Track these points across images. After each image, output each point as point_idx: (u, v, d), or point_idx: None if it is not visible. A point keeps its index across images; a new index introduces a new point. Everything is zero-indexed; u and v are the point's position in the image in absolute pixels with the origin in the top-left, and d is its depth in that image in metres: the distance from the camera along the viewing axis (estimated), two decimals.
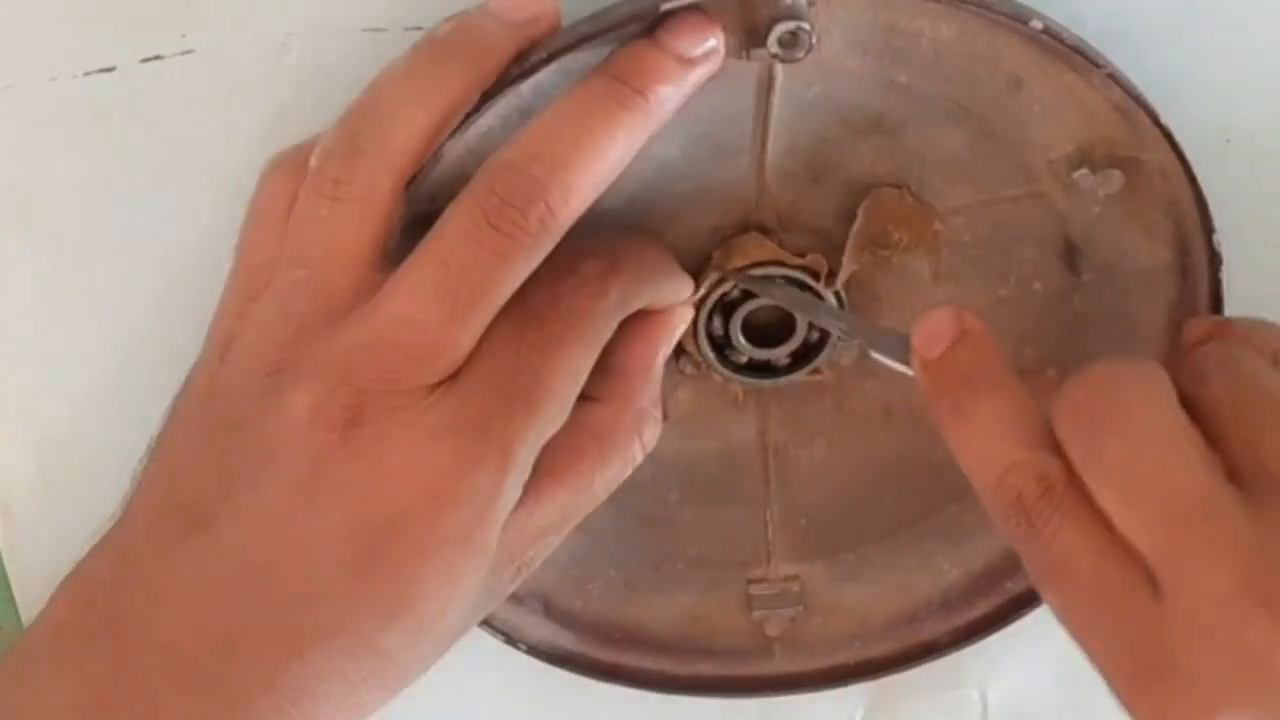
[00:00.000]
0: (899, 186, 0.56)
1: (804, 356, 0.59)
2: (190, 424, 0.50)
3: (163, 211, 0.56)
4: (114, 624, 0.48)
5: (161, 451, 0.50)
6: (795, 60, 0.50)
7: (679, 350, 0.58)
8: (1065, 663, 0.56)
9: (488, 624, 0.59)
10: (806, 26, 0.49)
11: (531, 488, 0.50)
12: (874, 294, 0.59)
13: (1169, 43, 0.56)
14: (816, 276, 0.57)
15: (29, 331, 0.58)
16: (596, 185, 0.48)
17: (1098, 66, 0.51)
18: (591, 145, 0.48)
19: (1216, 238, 0.54)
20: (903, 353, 0.51)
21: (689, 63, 0.49)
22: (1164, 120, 0.52)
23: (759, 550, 0.63)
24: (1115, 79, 0.51)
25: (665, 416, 0.56)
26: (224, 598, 0.47)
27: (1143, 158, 0.54)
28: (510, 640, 0.61)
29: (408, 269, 0.48)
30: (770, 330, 0.59)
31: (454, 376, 0.48)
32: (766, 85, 0.53)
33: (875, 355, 0.53)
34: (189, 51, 0.54)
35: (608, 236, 0.53)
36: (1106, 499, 0.45)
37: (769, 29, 0.49)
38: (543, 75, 0.49)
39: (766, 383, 0.60)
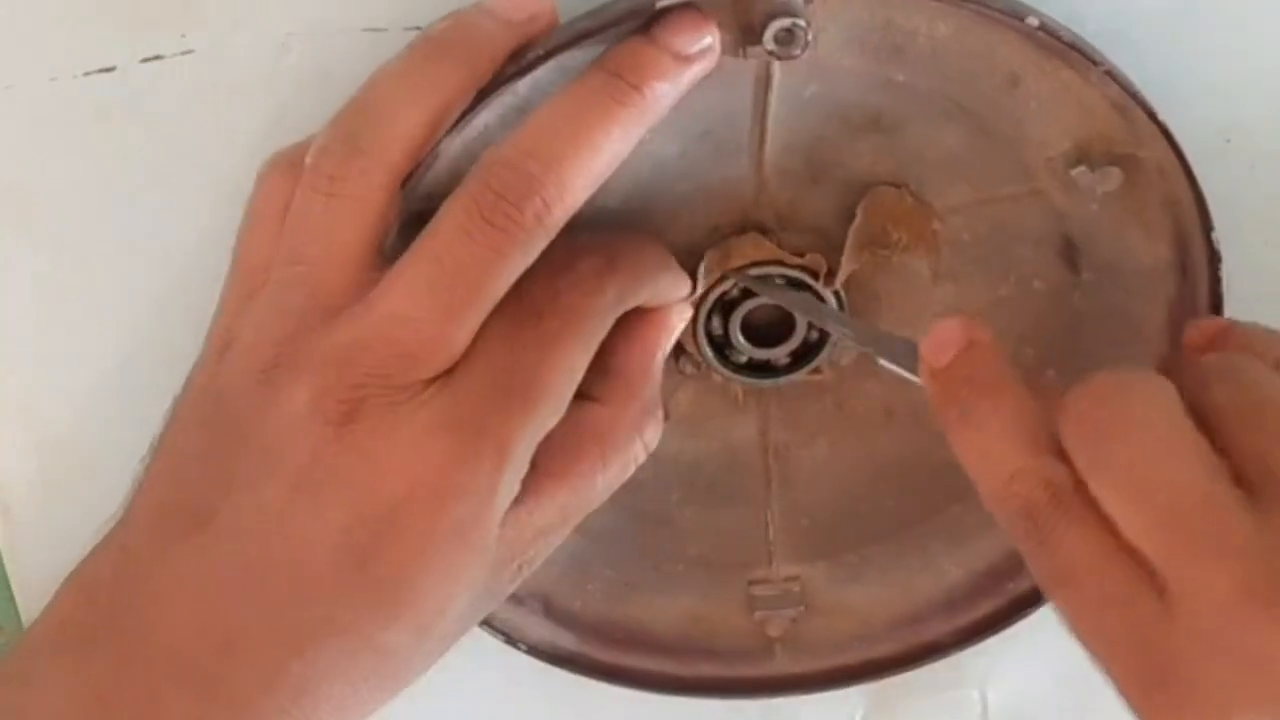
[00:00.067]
0: (898, 185, 0.56)
1: (804, 356, 0.59)
2: (190, 423, 0.50)
3: (163, 211, 0.56)
4: (115, 623, 0.48)
5: (162, 451, 0.50)
6: (791, 57, 0.50)
7: (679, 350, 0.58)
8: (1065, 663, 0.56)
9: (488, 624, 0.59)
10: (802, 23, 0.49)
11: (531, 486, 0.50)
12: (874, 293, 0.58)
13: (1169, 42, 0.56)
14: (816, 276, 0.57)
15: (29, 331, 0.58)
16: (592, 181, 0.49)
17: (1095, 64, 0.51)
18: (587, 141, 0.48)
19: (1215, 235, 0.54)
20: (910, 360, 0.51)
21: (685, 59, 0.49)
22: (1162, 118, 0.52)
23: (760, 551, 0.63)
24: (1113, 76, 0.51)
25: (666, 416, 0.56)
26: (224, 597, 0.48)
27: (1141, 155, 0.54)
28: (510, 640, 0.61)
29: (403, 265, 0.48)
30: (770, 330, 0.59)
31: (450, 372, 0.48)
32: (764, 83, 0.53)
33: (883, 362, 0.53)
34: (189, 51, 0.54)
35: (605, 234, 0.53)
36: (1113, 505, 0.45)
37: (764, 26, 0.49)
38: (540, 73, 0.50)
39: (766, 382, 0.60)
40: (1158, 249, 0.56)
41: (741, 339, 0.58)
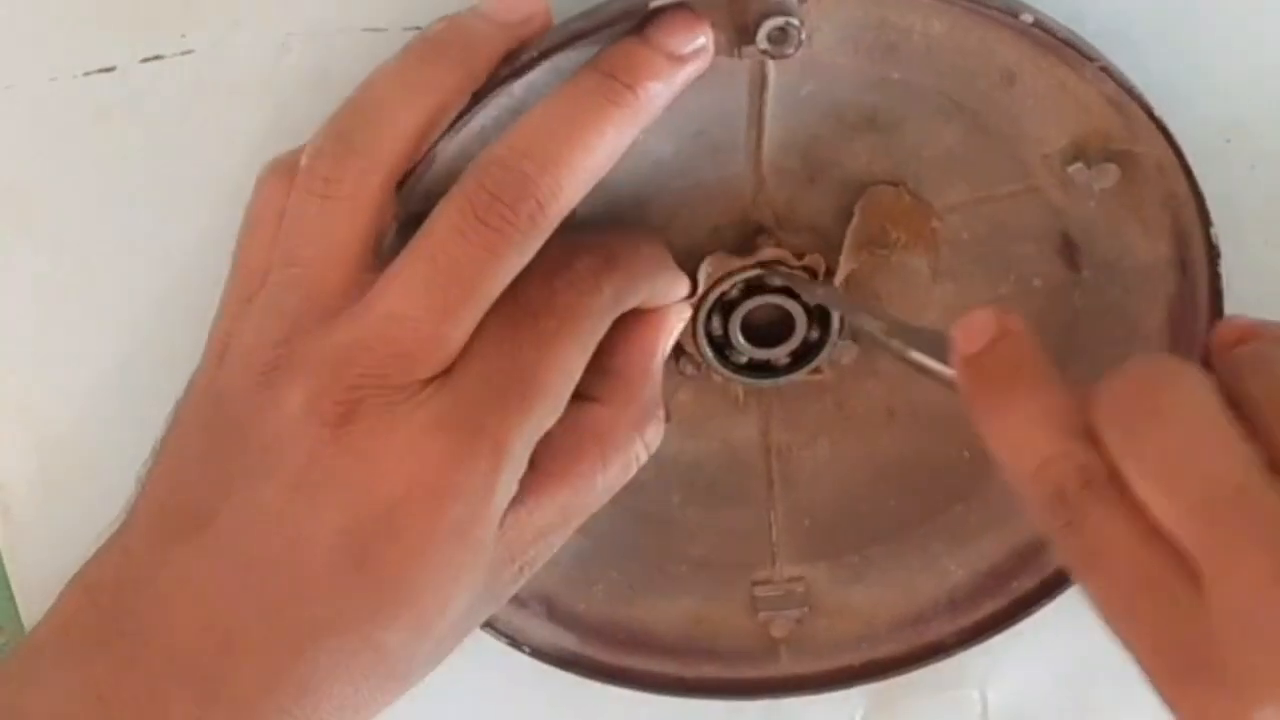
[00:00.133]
0: (895, 184, 0.56)
1: (804, 356, 0.59)
2: (190, 426, 0.50)
3: (163, 211, 0.56)
4: (117, 625, 0.48)
5: (163, 454, 0.51)
6: (785, 56, 0.50)
7: (679, 350, 0.58)
8: (1065, 663, 0.56)
9: (491, 627, 0.59)
10: (796, 22, 0.49)
11: (531, 487, 0.50)
12: (873, 293, 0.58)
13: (1169, 42, 0.56)
14: (815, 276, 0.57)
15: (29, 331, 0.58)
16: (586, 181, 0.49)
17: (1090, 60, 0.51)
18: (581, 141, 0.48)
19: (1214, 231, 0.54)
20: (941, 351, 0.51)
21: (679, 60, 0.49)
22: (1160, 115, 0.52)
23: (763, 551, 0.63)
24: (1108, 72, 0.51)
25: (668, 418, 0.56)
26: (224, 598, 0.48)
27: (1138, 151, 0.54)
28: (514, 643, 0.61)
29: (399, 265, 0.48)
30: (770, 330, 0.59)
31: (447, 372, 0.48)
32: (760, 83, 0.53)
33: (913, 354, 0.53)
34: (189, 51, 0.54)
35: (603, 234, 0.53)
36: (1146, 490, 0.45)
37: (758, 25, 0.49)
38: (535, 74, 0.50)
39: (767, 382, 0.60)
40: (1157, 246, 0.56)
41: (741, 339, 0.58)
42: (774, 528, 0.63)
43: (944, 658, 0.63)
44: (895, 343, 0.53)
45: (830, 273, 0.57)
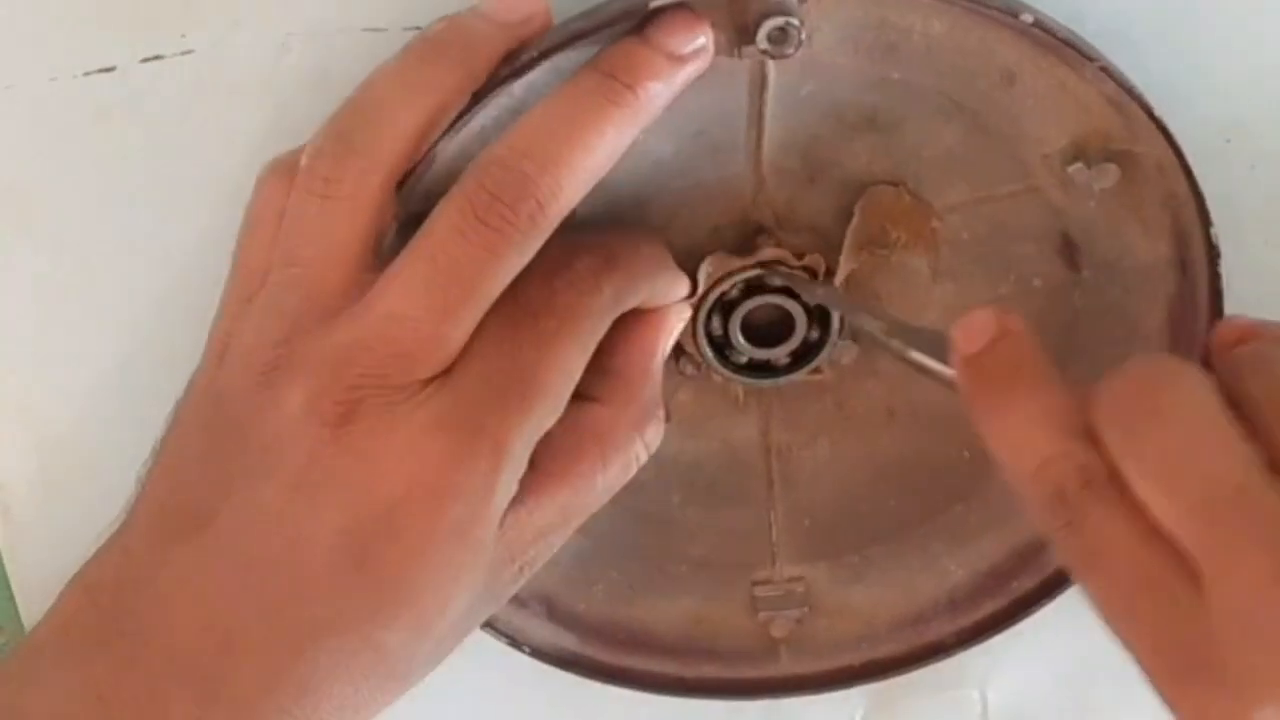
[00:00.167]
0: (895, 184, 0.56)
1: (804, 356, 0.59)
2: (190, 426, 0.50)
3: (163, 211, 0.56)
4: (117, 625, 0.48)
5: (163, 454, 0.51)
6: (785, 56, 0.50)
7: (679, 350, 0.58)
8: (1065, 663, 0.56)
9: (491, 627, 0.59)
10: (796, 22, 0.49)
11: (532, 486, 0.50)
12: (873, 293, 0.58)
13: (1169, 42, 0.56)
14: (815, 276, 0.57)
15: (29, 331, 0.58)
16: (586, 180, 0.49)
17: (1090, 60, 0.51)
18: (581, 141, 0.48)
19: (1214, 231, 0.54)
20: (941, 351, 0.51)
21: (679, 60, 0.49)
22: (1160, 115, 0.52)
23: (763, 551, 0.63)
24: (1108, 72, 0.51)
25: (668, 418, 0.56)
26: (224, 598, 0.48)
27: (1138, 151, 0.54)
28: (514, 643, 0.61)
29: (398, 265, 0.48)
30: (769, 330, 0.59)
31: (447, 372, 0.48)
32: (760, 83, 0.53)
33: (913, 353, 0.53)
34: (189, 51, 0.54)
35: (603, 234, 0.53)
36: (1146, 490, 0.45)
37: (758, 25, 0.49)
38: (535, 74, 0.50)
39: (767, 382, 0.60)
40: (1157, 246, 0.56)
41: (741, 339, 0.58)
42: (774, 528, 0.63)
43: (944, 658, 0.63)
44: (895, 343, 0.53)
45: (830, 273, 0.57)
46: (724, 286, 0.57)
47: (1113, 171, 0.54)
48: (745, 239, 0.57)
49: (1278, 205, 0.59)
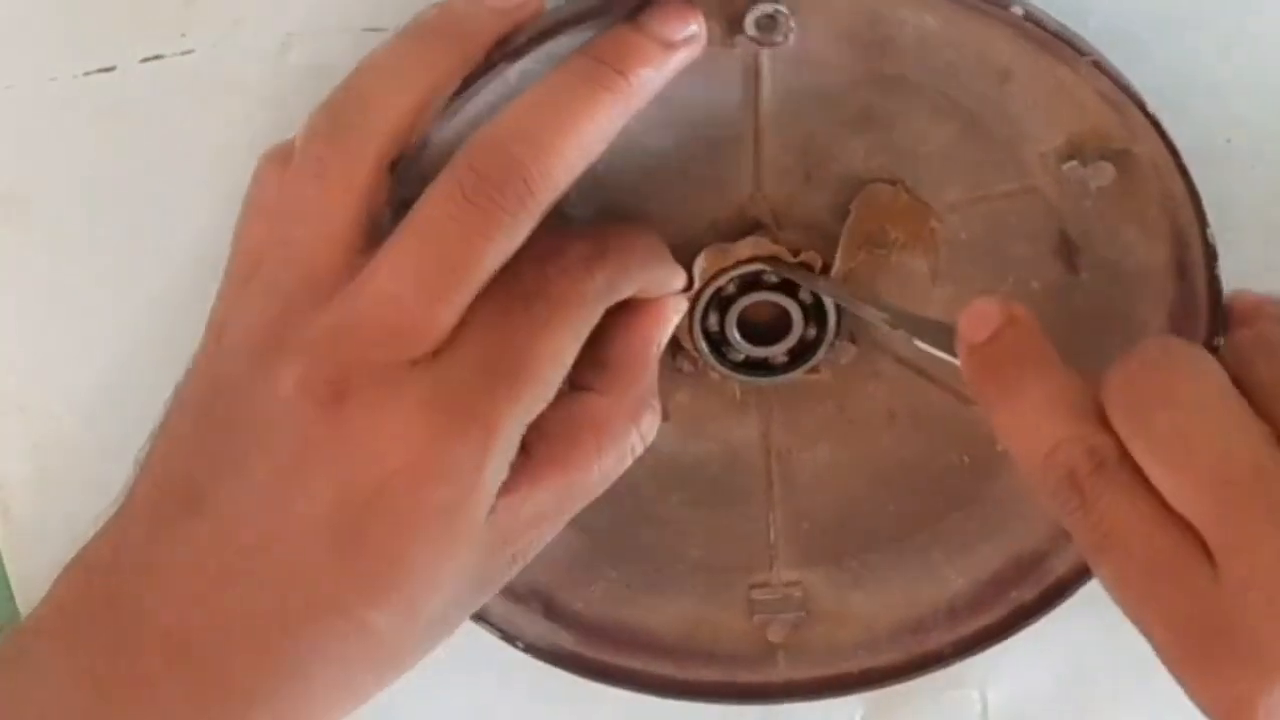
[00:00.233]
0: (893, 182, 0.56)
1: (801, 355, 0.59)
2: (187, 408, 0.51)
3: (163, 211, 0.57)
4: (112, 607, 0.48)
5: (161, 436, 0.51)
6: (775, 44, 0.50)
7: (676, 347, 0.58)
8: (1065, 663, 0.56)
9: (485, 620, 0.59)
10: (783, 9, 0.50)
11: (526, 473, 0.50)
12: (873, 293, 0.58)
13: (1169, 42, 0.56)
14: (812, 272, 0.57)
15: (28, 331, 0.58)
16: (575, 164, 0.49)
17: (1082, 54, 0.51)
18: (572, 125, 0.48)
19: (1211, 232, 0.54)
20: (946, 341, 0.51)
21: (671, 47, 0.49)
22: (1155, 112, 0.52)
23: (762, 554, 0.63)
24: (1100, 67, 0.51)
25: (665, 417, 0.56)
26: (216, 579, 0.48)
27: (1135, 150, 0.54)
28: (508, 638, 0.60)
29: (389, 246, 0.48)
30: (767, 328, 0.59)
31: (437, 354, 0.48)
32: (754, 76, 0.53)
33: (919, 344, 0.53)
34: (189, 51, 0.55)
35: (599, 224, 0.53)
36: (1158, 471, 0.45)
37: (746, 12, 0.50)
38: (528, 61, 0.50)
39: (764, 381, 0.59)
40: (1155, 246, 0.56)
41: (738, 336, 0.58)
42: (773, 531, 0.63)
43: (942, 668, 0.62)
44: (900, 333, 0.53)
45: (827, 269, 0.57)
46: (720, 281, 0.57)
47: (1108, 170, 0.54)
48: (742, 235, 0.57)
49: (1277, 205, 0.59)
